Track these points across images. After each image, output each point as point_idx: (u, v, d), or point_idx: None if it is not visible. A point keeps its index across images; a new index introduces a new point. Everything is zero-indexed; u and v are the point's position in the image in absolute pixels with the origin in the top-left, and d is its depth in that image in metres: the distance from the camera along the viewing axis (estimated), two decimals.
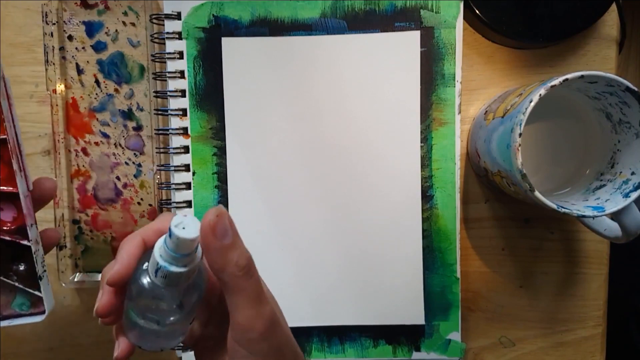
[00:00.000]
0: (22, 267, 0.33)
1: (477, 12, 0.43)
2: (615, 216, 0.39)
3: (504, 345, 0.48)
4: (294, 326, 0.45)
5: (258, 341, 0.26)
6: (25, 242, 0.32)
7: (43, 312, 0.33)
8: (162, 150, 0.44)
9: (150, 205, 0.46)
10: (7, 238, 0.31)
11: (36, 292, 0.32)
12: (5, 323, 0.33)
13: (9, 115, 0.31)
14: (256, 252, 0.45)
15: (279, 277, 0.45)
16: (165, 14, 0.43)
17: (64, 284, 0.45)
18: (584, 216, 0.37)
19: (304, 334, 0.46)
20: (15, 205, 0.32)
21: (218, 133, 0.44)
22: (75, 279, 0.46)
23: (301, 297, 0.45)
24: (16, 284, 0.32)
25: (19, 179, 0.31)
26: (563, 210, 0.37)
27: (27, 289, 0.32)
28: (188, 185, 0.44)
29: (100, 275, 0.46)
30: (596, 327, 0.48)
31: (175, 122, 0.44)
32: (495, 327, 0.48)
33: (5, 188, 0.31)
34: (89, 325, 0.47)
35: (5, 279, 0.32)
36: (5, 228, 0.32)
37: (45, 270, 0.33)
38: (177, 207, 0.44)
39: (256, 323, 0.26)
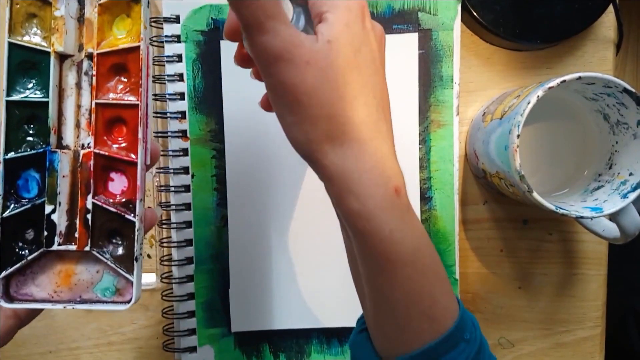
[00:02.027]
0: (119, 245, 0.30)
1: (475, 14, 0.44)
2: (613, 217, 0.39)
3: (503, 346, 0.48)
4: (294, 328, 0.45)
5: None
6: (130, 217, 0.29)
7: (128, 301, 0.30)
8: (161, 152, 0.44)
9: (149, 207, 0.46)
10: (112, 209, 0.29)
11: (128, 275, 0.29)
12: (82, 307, 0.30)
13: (146, 84, 0.29)
14: (256, 255, 0.45)
15: (278, 279, 0.45)
16: (164, 17, 0.43)
17: None
18: (582, 217, 0.37)
19: (304, 336, 0.46)
20: (126, 178, 0.30)
21: (217, 135, 0.44)
22: None
23: (300, 299, 0.45)
24: (109, 262, 0.29)
25: (141, 148, 0.29)
26: (561, 211, 0.37)
27: (119, 269, 0.29)
28: (187, 188, 0.44)
29: None
30: (595, 328, 0.48)
31: (174, 125, 0.44)
32: (494, 328, 0.48)
33: (125, 156, 0.29)
34: (88, 328, 0.47)
35: (98, 254, 0.29)
36: (111, 200, 0.30)
37: (141, 255, 0.30)
38: (176, 210, 0.44)
39: None
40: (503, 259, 0.48)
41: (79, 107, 0.30)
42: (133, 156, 0.29)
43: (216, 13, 0.43)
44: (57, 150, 0.29)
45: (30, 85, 0.29)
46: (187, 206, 0.44)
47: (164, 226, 0.44)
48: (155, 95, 0.44)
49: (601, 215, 0.37)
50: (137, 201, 0.29)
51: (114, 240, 0.30)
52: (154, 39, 0.43)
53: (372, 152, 0.27)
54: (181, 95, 0.43)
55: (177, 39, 0.43)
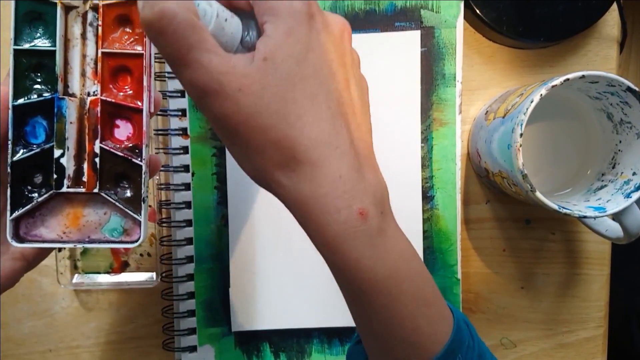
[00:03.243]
0: (126, 188, 0.31)
1: (478, 11, 0.43)
2: (616, 217, 0.39)
3: (505, 346, 0.48)
4: (294, 327, 0.45)
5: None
6: (137, 161, 0.30)
7: (137, 240, 0.31)
8: (161, 150, 0.44)
9: (149, 206, 0.46)
10: (120, 154, 0.30)
11: (136, 215, 0.31)
12: (91, 246, 0.31)
13: None
14: (256, 254, 0.45)
15: (278, 278, 0.45)
16: None
17: (62, 286, 0.45)
18: (585, 217, 0.37)
19: (304, 335, 0.45)
20: (132, 124, 0.31)
21: None
22: (74, 281, 0.46)
23: (301, 298, 0.45)
24: (117, 203, 0.31)
25: (146, 96, 0.30)
26: (564, 210, 0.36)
27: (127, 209, 0.31)
28: (187, 186, 0.44)
29: (99, 277, 0.46)
30: (597, 329, 0.48)
31: (175, 123, 0.44)
32: (497, 329, 0.47)
33: (131, 103, 0.30)
34: (87, 327, 0.47)
35: (106, 196, 0.31)
36: (118, 145, 0.31)
37: (147, 197, 0.31)
38: (176, 208, 0.44)
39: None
40: (505, 258, 0.47)
41: (84, 56, 0.31)
42: (139, 103, 0.30)
43: None
44: (64, 97, 0.30)
45: (37, 35, 0.30)
46: (188, 204, 0.44)
47: (164, 224, 0.44)
48: None
49: (604, 215, 0.37)
50: (144, 146, 0.31)
51: (121, 184, 0.31)
52: None
53: (327, 174, 0.24)
54: (182, 93, 0.43)
55: None
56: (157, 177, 0.45)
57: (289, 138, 0.24)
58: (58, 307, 0.47)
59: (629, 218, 0.38)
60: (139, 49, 0.30)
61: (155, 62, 0.43)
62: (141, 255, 0.46)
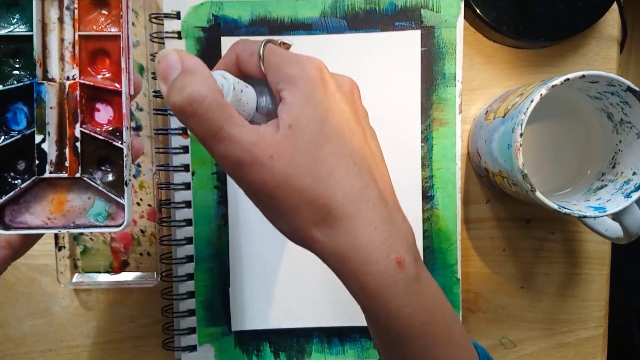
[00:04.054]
0: (108, 172, 0.31)
1: (478, 11, 0.43)
2: (616, 216, 0.39)
3: (505, 346, 0.48)
4: (294, 327, 0.45)
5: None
6: (118, 144, 0.30)
7: (120, 224, 0.31)
8: (161, 150, 0.44)
9: (149, 205, 0.46)
10: (100, 137, 0.30)
11: (119, 199, 0.30)
12: (76, 231, 0.31)
13: (126, 15, 0.30)
14: (256, 253, 0.45)
15: (278, 277, 0.45)
16: (165, 14, 0.43)
17: (62, 285, 0.45)
18: (585, 217, 0.37)
19: (304, 335, 0.45)
20: (112, 107, 0.31)
21: None
22: (74, 280, 0.46)
23: (301, 298, 0.45)
24: (100, 187, 0.30)
25: (124, 78, 0.30)
26: (564, 210, 0.36)
27: (110, 193, 0.30)
28: (187, 186, 0.44)
29: (98, 276, 0.46)
30: (597, 328, 0.48)
31: (175, 122, 0.44)
32: (497, 328, 0.47)
33: (110, 85, 0.30)
34: (87, 326, 0.47)
35: (89, 180, 0.30)
36: (99, 129, 0.31)
37: (130, 180, 0.31)
38: (176, 208, 0.44)
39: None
40: (505, 258, 0.47)
41: (62, 40, 0.31)
42: (117, 85, 0.30)
43: (217, 9, 0.43)
44: (43, 82, 0.30)
45: (14, 21, 0.30)
46: (188, 204, 0.44)
47: (164, 224, 0.44)
48: (155, 92, 0.43)
49: (604, 215, 0.37)
50: (124, 129, 0.30)
51: (103, 168, 0.31)
52: (155, 35, 0.43)
53: (363, 227, 0.25)
54: None
55: (178, 35, 0.43)
56: (158, 177, 0.45)
57: (323, 196, 0.25)
58: (58, 307, 0.47)
59: (629, 218, 0.38)
60: (115, 30, 0.30)
61: (155, 61, 0.44)
62: (141, 254, 0.46)
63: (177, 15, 0.43)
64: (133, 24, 0.44)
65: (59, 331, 0.47)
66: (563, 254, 0.47)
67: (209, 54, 0.43)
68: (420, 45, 0.43)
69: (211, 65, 0.43)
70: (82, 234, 0.46)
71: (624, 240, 0.40)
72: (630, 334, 0.71)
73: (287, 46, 0.30)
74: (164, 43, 0.43)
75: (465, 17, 0.44)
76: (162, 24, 0.43)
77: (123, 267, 0.46)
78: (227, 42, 0.43)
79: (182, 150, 0.44)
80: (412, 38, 0.43)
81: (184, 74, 0.25)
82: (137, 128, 0.45)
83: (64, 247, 0.45)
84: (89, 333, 0.47)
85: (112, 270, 0.46)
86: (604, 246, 0.47)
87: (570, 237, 0.47)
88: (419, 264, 0.27)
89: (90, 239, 0.46)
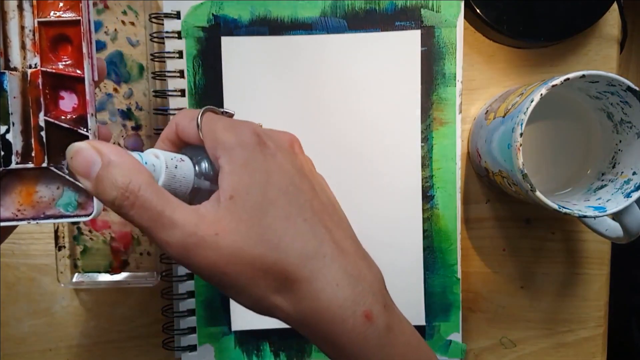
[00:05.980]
0: None
1: (478, 11, 0.43)
2: (616, 216, 0.39)
3: (504, 346, 0.48)
4: None
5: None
6: (83, 132, 0.30)
7: (90, 214, 0.30)
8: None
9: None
10: (66, 125, 0.30)
11: None
12: (47, 222, 0.31)
13: (86, 0, 0.30)
14: None
15: None
16: (165, 13, 0.43)
17: (62, 285, 0.45)
18: (585, 216, 0.37)
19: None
20: (76, 95, 0.30)
21: None
22: (74, 280, 0.46)
23: None
24: (67, 176, 0.30)
25: (87, 64, 0.30)
26: (564, 210, 0.36)
27: (78, 182, 0.29)
28: None
29: (98, 276, 0.46)
30: (597, 328, 0.48)
31: None
32: (496, 328, 0.48)
33: (72, 72, 0.30)
34: (87, 326, 0.47)
35: (56, 170, 0.30)
36: (63, 117, 0.30)
37: None
38: None
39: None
40: (505, 258, 0.47)
41: (22, 28, 0.30)
42: (80, 72, 0.30)
43: (217, 9, 0.43)
44: (5, 71, 0.29)
45: None
46: None
47: None
48: (156, 91, 0.43)
49: (604, 215, 0.37)
50: (88, 116, 0.30)
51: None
52: (155, 35, 0.43)
53: (323, 286, 0.25)
54: (182, 92, 0.43)
55: (178, 35, 0.43)
56: None
57: (278, 261, 0.24)
58: (58, 306, 0.47)
59: (629, 217, 0.38)
60: (73, 15, 0.30)
61: (155, 61, 0.44)
62: (141, 254, 0.46)
63: (177, 15, 0.43)
64: (133, 23, 0.44)
65: (59, 331, 0.47)
66: (563, 254, 0.47)
67: (210, 54, 0.43)
68: (420, 45, 0.43)
69: (211, 65, 0.43)
70: (82, 233, 0.46)
71: (624, 240, 0.40)
72: (631, 334, 0.71)
73: (228, 115, 0.30)
74: (164, 43, 0.43)
75: (465, 17, 0.44)
76: (162, 24, 0.43)
77: (123, 266, 0.46)
78: (227, 42, 0.43)
79: None
80: (412, 38, 0.43)
81: (108, 166, 0.24)
82: (137, 127, 0.45)
83: (64, 247, 0.45)
84: (89, 333, 0.47)
85: (112, 270, 0.46)
86: (604, 246, 0.47)
87: (570, 237, 0.47)
88: (389, 309, 0.26)
89: (90, 238, 0.46)
